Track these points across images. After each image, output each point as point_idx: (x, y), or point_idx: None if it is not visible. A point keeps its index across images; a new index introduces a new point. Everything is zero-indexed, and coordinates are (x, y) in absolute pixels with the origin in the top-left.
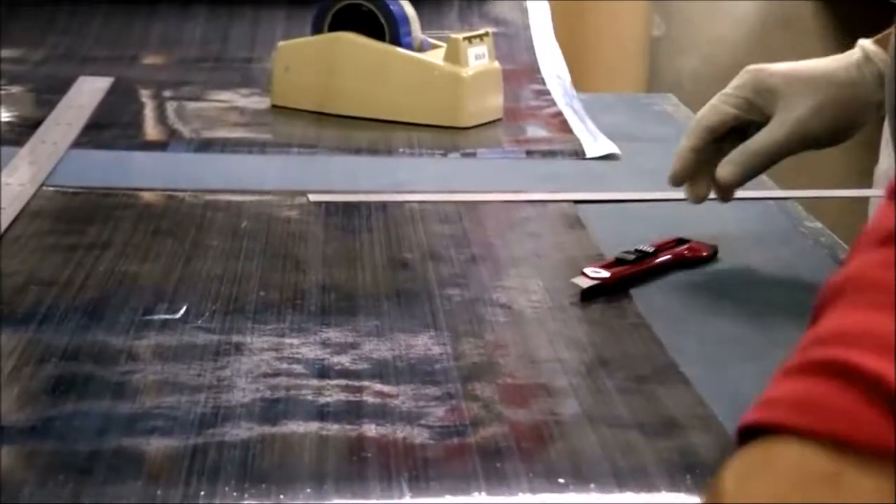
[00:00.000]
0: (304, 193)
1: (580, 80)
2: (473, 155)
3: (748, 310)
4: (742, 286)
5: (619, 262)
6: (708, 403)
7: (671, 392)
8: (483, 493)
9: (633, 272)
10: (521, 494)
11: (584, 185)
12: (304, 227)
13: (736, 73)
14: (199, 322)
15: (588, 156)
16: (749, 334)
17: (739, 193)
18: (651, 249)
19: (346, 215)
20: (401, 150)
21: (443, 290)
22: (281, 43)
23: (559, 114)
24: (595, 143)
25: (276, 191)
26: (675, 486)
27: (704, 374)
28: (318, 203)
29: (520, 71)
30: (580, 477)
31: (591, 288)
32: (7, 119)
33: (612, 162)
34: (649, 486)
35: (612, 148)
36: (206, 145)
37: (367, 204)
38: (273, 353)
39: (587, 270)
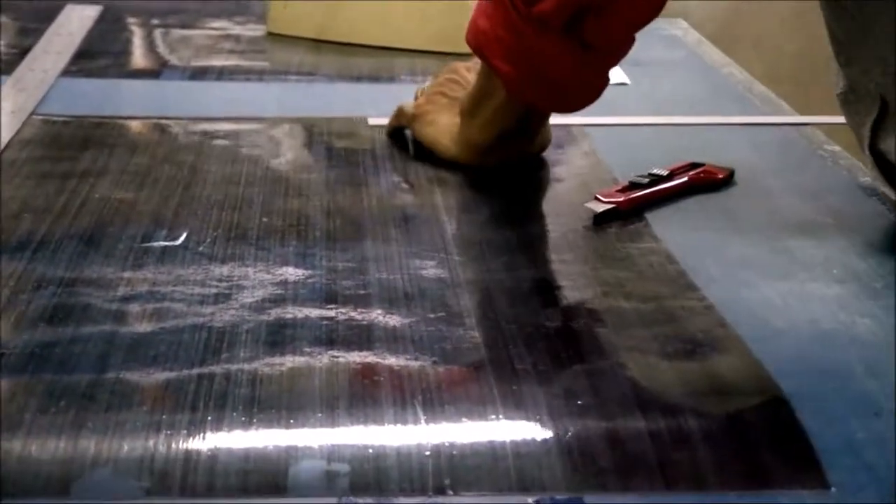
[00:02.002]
0: (300, 120)
1: None
2: None
3: (767, 231)
4: (760, 209)
5: (632, 185)
6: (729, 324)
7: (691, 313)
8: (500, 417)
9: (647, 196)
10: (539, 417)
11: (594, 111)
12: (307, 153)
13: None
14: (201, 248)
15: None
16: (768, 256)
17: (756, 119)
18: (665, 173)
19: (348, 139)
20: (403, 77)
21: (451, 215)
22: None
23: None
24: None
25: (277, 118)
26: (699, 408)
27: (724, 294)
28: (320, 129)
29: None
30: (600, 399)
31: (604, 212)
32: None
33: (621, 88)
34: (673, 410)
35: (621, 77)
36: (200, 73)
37: (372, 128)
38: (278, 279)
39: (601, 195)
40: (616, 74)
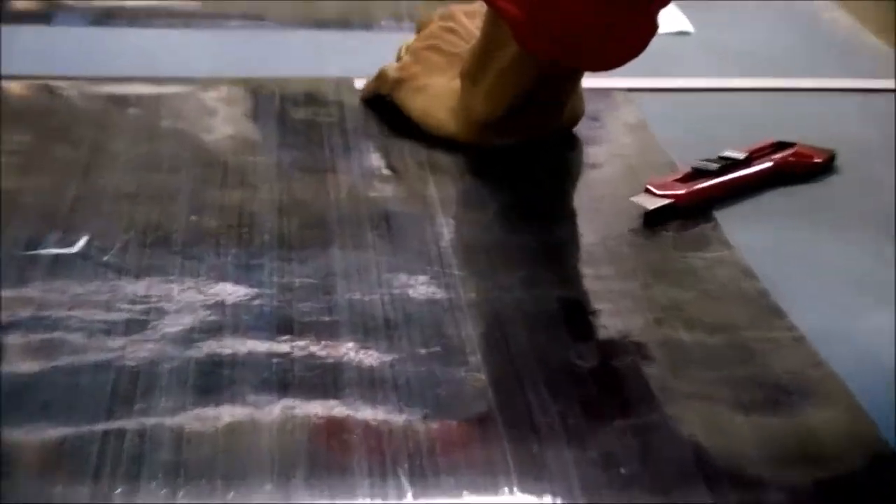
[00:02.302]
0: (243, 81)
1: None
2: None
3: (878, 237)
4: (869, 205)
5: (697, 173)
6: (826, 362)
7: (775, 348)
8: (515, 490)
9: (716, 187)
10: (568, 490)
11: (644, 70)
12: (252, 126)
13: None
14: (106, 258)
15: None
16: (878, 271)
17: (865, 83)
18: (742, 156)
19: (309, 107)
20: (382, 22)
21: (448, 213)
22: None
23: None
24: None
25: (211, 78)
26: (785, 478)
27: (820, 323)
28: (271, 93)
29: None
30: (650, 467)
31: (659, 209)
32: None
33: (681, 38)
34: (749, 482)
35: (680, 22)
36: (105, 17)
37: (341, 90)
38: (213, 301)
39: (653, 185)
40: (672, 18)
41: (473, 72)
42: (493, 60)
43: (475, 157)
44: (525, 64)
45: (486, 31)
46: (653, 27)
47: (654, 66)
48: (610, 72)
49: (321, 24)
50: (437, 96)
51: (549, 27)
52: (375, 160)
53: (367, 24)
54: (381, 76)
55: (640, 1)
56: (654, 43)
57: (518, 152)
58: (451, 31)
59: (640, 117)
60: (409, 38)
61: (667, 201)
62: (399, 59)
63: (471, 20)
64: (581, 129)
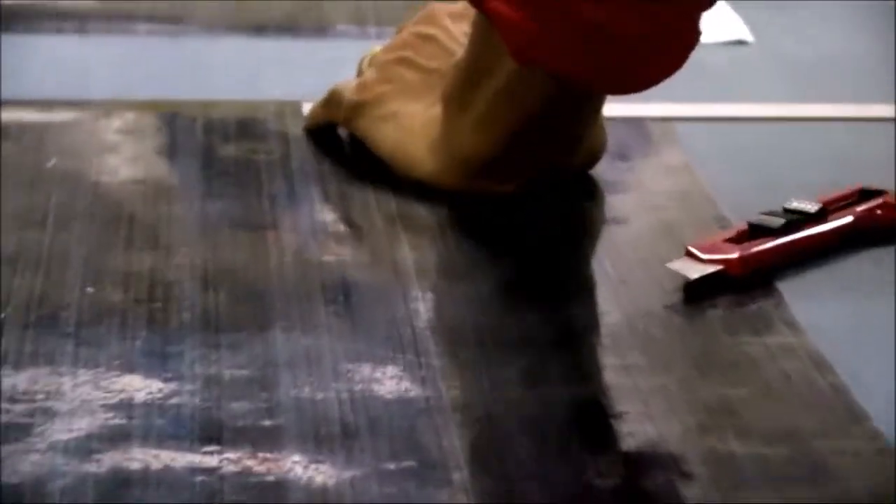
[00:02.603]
0: (154, 106)
1: None
2: None
3: None
4: None
5: (755, 231)
6: None
7: (857, 463)
8: None
9: (782, 250)
10: None
11: (688, 92)
12: (167, 167)
13: None
14: None
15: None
16: None
17: None
18: (814, 208)
19: (242, 140)
20: (339, 26)
21: (425, 284)
22: None
23: None
24: (711, 19)
25: (112, 101)
26: None
27: None
28: (191, 121)
29: None
30: None
31: (705, 279)
32: None
33: (737, 48)
34: None
35: (737, 30)
36: None
37: (284, 118)
38: (116, 398)
39: (697, 247)
40: (725, 23)
41: (459, 94)
42: (485, 79)
43: (462, 209)
44: (526, 84)
45: (475, 41)
46: (695, 34)
47: (700, 86)
48: (640, 94)
49: (258, 29)
50: (411, 127)
51: (557, 34)
52: (330, 212)
53: (319, 30)
54: (334, 99)
55: (689, 5)
56: (702, 56)
57: (519, 202)
58: (430, 39)
59: (682, 156)
60: (374, 47)
61: (715, 269)
62: (360, 75)
63: (457, 24)
64: (602, 170)
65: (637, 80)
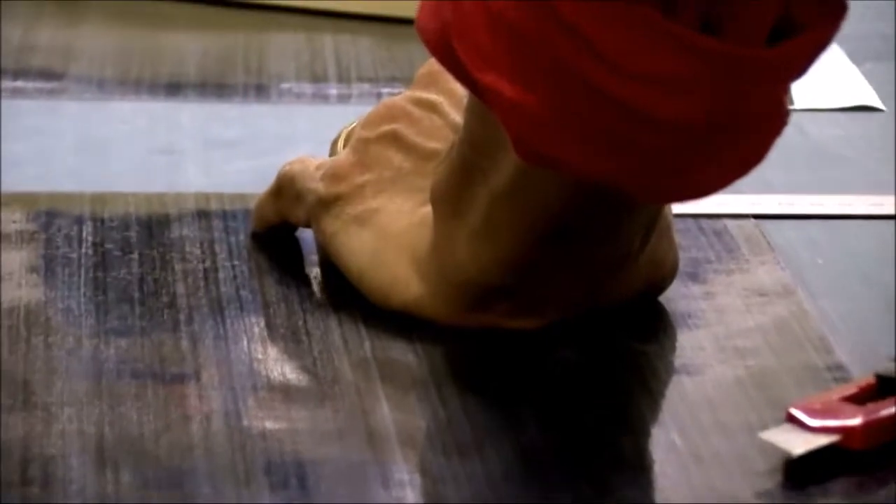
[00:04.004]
0: (19, 199)
1: None
2: None
3: None
4: None
5: (885, 385)
6: None
7: None
8: None
9: None
10: None
11: (786, 176)
12: (39, 285)
13: None
14: None
15: (801, 106)
16: None
17: None
18: None
19: (149, 248)
20: (285, 84)
21: (415, 458)
22: None
23: None
24: (827, 81)
25: None
26: None
27: None
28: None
29: None
30: None
31: (814, 454)
32: None
33: (864, 120)
34: None
35: (861, 93)
36: None
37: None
38: None
39: (804, 409)
40: (844, 84)
41: (452, 195)
42: (483, 176)
43: (462, 351)
44: (540, 183)
45: (470, 124)
46: (783, 115)
47: (806, 168)
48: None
49: (171, 87)
50: (394, 235)
51: (579, 123)
52: (276, 357)
53: (260, 87)
54: (287, 188)
55: (767, 74)
56: (815, 129)
57: (544, 341)
58: (430, 107)
59: (780, 272)
60: (337, 113)
61: (829, 441)
62: (332, 153)
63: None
64: (669, 298)
65: (697, 186)
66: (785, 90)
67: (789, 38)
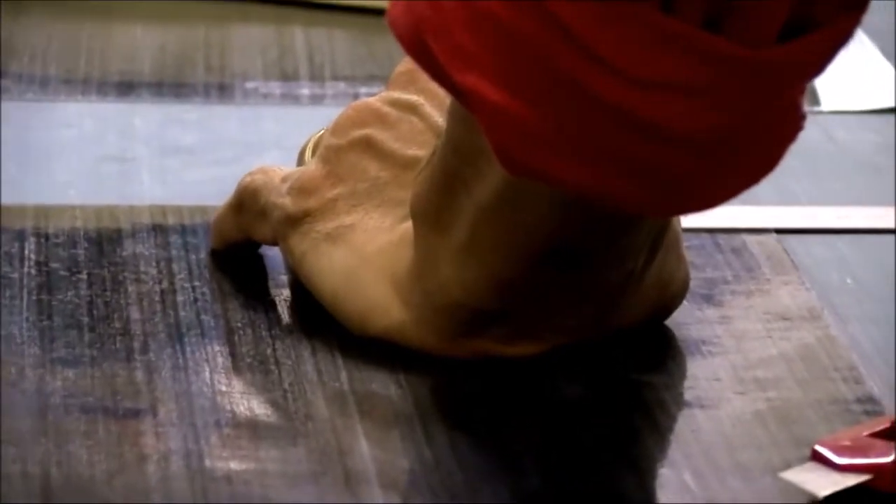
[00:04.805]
0: None
1: None
2: None
3: None
4: None
5: None
6: None
7: None
8: None
9: None
10: None
11: (808, 185)
12: None
13: None
14: None
15: (828, 108)
16: None
17: None
18: None
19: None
20: (253, 84)
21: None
22: None
23: None
24: (858, 81)
25: None
26: None
27: None
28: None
29: None
30: None
31: (842, 495)
32: None
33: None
34: None
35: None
36: None
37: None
38: None
39: (830, 447)
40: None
41: (434, 208)
42: (466, 187)
43: (454, 384)
44: (528, 196)
45: (452, 130)
46: (798, 119)
47: (831, 176)
48: (749, 194)
49: (123, 87)
50: (371, 254)
51: (568, 130)
52: (242, 389)
53: (222, 87)
54: (249, 202)
55: (778, 75)
56: (844, 134)
57: (542, 370)
58: (410, 108)
59: (803, 292)
60: (308, 115)
61: (859, 480)
62: (301, 161)
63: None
64: (681, 323)
65: (702, 199)
66: (800, 91)
67: (802, 35)
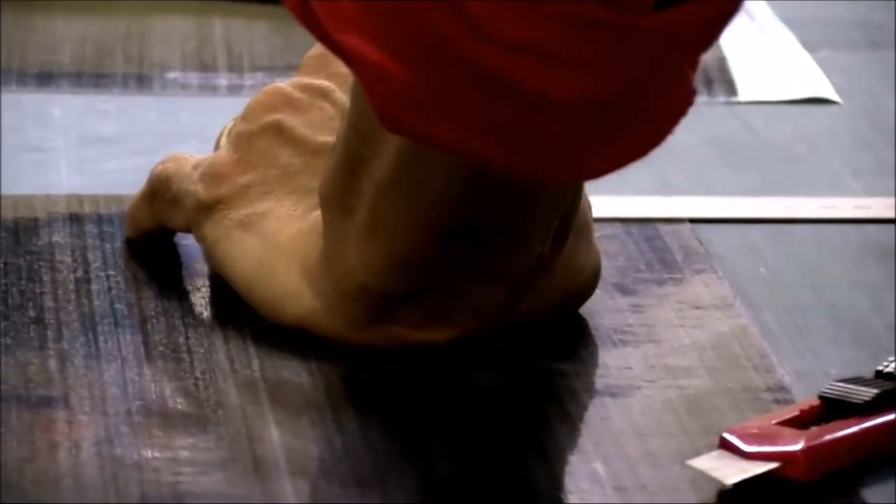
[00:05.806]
0: None
1: None
2: None
3: None
4: None
5: (830, 408)
6: None
7: None
8: None
9: (870, 439)
10: None
11: (725, 174)
12: None
13: None
14: None
15: (746, 98)
16: None
17: None
18: None
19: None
20: (172, 74)
21: (306, 490)
22: None
23: None
24: (776, 70)
25: None
26: None
27: None
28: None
29: None
30: None
31: (749, 482)
32: None
33: (818, 114)
34: None
35: (819, 86)
36: None
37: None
38: None
39: (738, 435)
40: (797, 73)
41: (339, 190)
42: (365, 166)
43: (360, 370)
44: (424, 168)
45: (354, 110)
46: (687, 92)
47: (748, 166)
48: (651, 180)
49: (42, 77)
50: (283, 242)
51: (442, 85)
52: (153, 377)
53: (140, 78)
54: (162, 190)
55: (658, 43)
56: (761, 124)
57: (453, 358)
58: (321, 93)
59: (718, 283)
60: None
61: (766, 468)
62: (217, 148)
63: None
64: (591, 309)
65: (585, 164)
66: (690, 65)
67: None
